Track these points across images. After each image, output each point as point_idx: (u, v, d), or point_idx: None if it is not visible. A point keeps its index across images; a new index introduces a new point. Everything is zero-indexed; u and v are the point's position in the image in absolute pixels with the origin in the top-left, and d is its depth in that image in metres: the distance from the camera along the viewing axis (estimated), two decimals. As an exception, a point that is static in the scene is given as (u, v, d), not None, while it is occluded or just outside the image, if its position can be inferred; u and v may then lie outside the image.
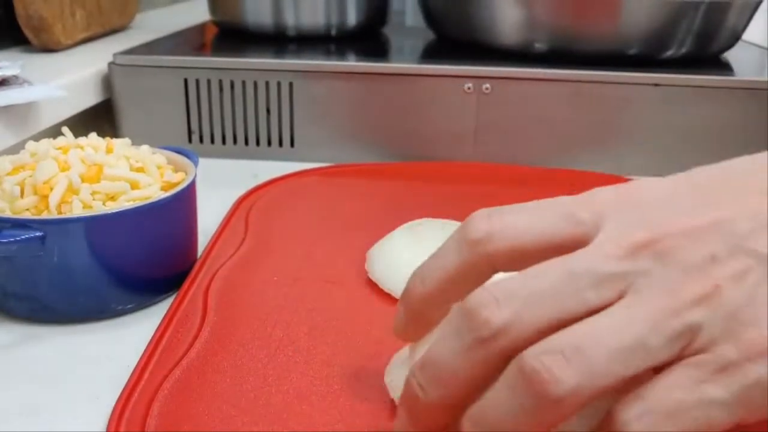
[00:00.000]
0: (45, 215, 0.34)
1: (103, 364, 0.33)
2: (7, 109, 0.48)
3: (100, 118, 0.62)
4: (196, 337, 0.33)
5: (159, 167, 0.39)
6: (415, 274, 0.26)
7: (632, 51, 0.59)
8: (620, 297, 0.22)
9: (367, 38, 0.72)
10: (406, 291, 0.26)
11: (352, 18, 0.69)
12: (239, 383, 0.30)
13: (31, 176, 0.35)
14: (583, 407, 0.21)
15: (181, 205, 0.39)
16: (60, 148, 0.37)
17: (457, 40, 0.66)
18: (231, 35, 0.72)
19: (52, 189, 0.35)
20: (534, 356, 0.21)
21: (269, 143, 0.61)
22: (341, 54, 0.64)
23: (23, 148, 0.38)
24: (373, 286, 0.39)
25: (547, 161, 0.59)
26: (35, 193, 0.35)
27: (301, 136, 0.61)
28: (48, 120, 0.53)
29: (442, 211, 0.44)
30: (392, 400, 0.29)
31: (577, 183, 0.47)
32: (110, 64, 0.60)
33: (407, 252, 0.39)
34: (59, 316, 0.36)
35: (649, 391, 0.21)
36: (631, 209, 0.23)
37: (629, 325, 0.21)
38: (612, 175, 0.56)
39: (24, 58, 0.60)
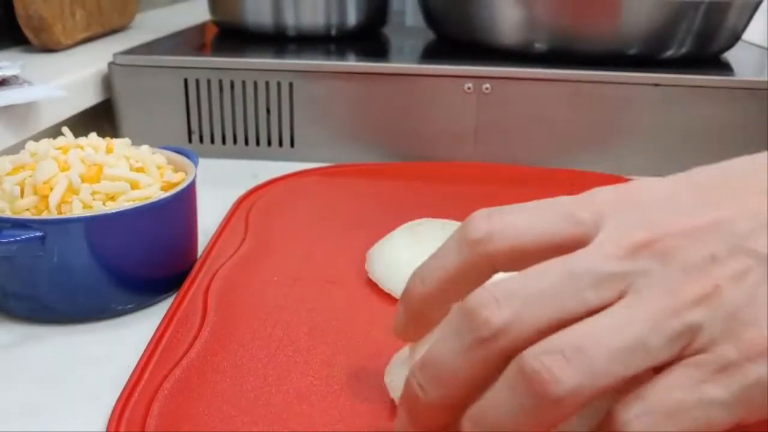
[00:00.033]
0: (45, 215, 0.34)
1: (103, 364, 0.33)
2: (7, 109, 0.48)
3: (100, 118, 0.62)
4: (196, 337, 0.33)
5: (159, 167, 0.39)
6: (415, 274, 0.26)
7: (632, 51, 0.59)
8: (620, 297, 0.22)
9: (367, 38, 0.72)
10: (406, 291, 0.26)
11: (352, 18, 0.69)
12: (239, 383, 0.30)
13: (31, 176, 0.35)
14: (583, 407, 0.21)
15: (181, 205, 0.39)
16: (60, 148, 0.37)
17: (457, 40, 0.66)
18: (231, 35, 0.72)
19: (52, 189, 0.35)
20: (534, 356, 0.21)
21: (269, 143, 0.61)
22: (341, 54, 0.64)
23: (23, 148, 0.38)
24: (373, 286, 0.39)
25: (547, 161, 0.59)
26: (35, 193, 0.35)
27: (301, 136, 0.61)
28: (48, 120, 0.53)
29: (442, 211, 0.44)
30: (392, 400, 0.29)
31: (577, 183, 0.47)
32: (110, 64, 0.60)
33: (407, 252, 0.39)
34: (59, 316, 0.36)
35: (649, 391, 0.21)
36: (631, 209, 0.23)
37: (629, 325, 0.21)
38: (612, 175, 0.56)
39: (24, 58, 0.60)
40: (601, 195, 0.24)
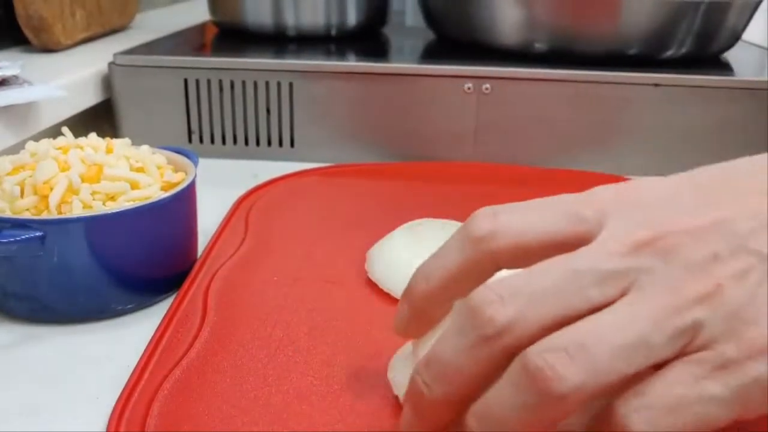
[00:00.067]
0: (45, 215, 0.34)
1: (103, 364, 0.33)
2: (7, 109, 0.48)
3: (100, 118, 0.62)
4: (196, 337, 0.33)
5: (159, 167, 0.39)
6: (418, 272, 0.26)
7: (632, 51, 0.59)
8: (623, 294, 0.22)
9: (367, 38, 0.72)
10: (409, 288, 0.26)
11: (352, 18, 0.69)
12: (239, 383, 0.30)
13: (31, 176, 0.35)
14: (586, 404, 0.21)
15: (181, 205, 0.39)
16: (60, 148, 0.37)
17: (457, 40, 0.66)
18: (231, 35, 0.72)
19: (52, 189, 0.35)
20: (537, 353, 0.21)
21: (269, 143, 0.61)
22: (341, 54, 0.64)
23: (23, 148, 0.38)
24: (373, 286, 0.39)
25: (547, 161, 0.59)
26: (35, 193, 0.35)
27: (301, 136, 0.61)
28: (48, 120, 0.53)
29: (442, 211, 0.44)
30: (394, 398, 0.29)
31: (577, 183, 0.46)
32: (110, 64, 0.60)
33: (407, 252, 0.39)
34: (59, 316, 0.36)
35: (649, 387, 0.21)
36: (634, 208, 0.23)
37: (632, 323, 0.21)
38: (612, 175, 0.56)
39: (24, 58, 0.60)
40: (604, 193, 0.24)
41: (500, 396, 0.22)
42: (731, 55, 0.67)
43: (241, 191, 0.51)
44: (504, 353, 0.22)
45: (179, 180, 0.39)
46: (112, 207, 0.35)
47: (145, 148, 0.41)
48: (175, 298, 0.36)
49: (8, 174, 0.36)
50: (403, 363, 0.29)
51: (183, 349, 0.32)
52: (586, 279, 0.22)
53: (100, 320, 0.37)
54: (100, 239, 0.35)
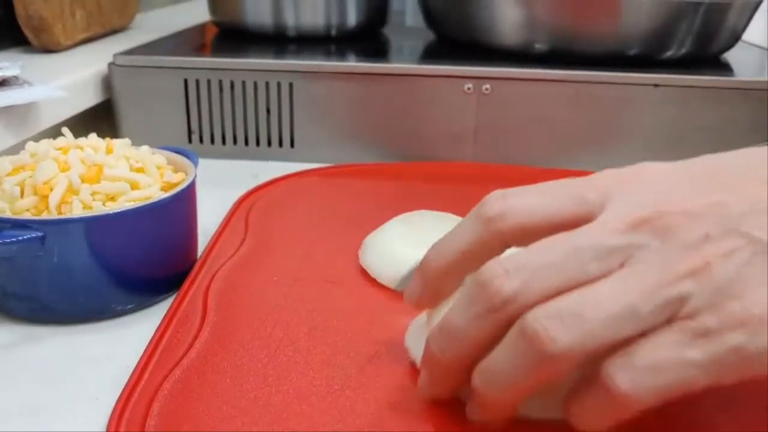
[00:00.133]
0: (45, 215, 0.34)
1: (103, 364, 0.33)
2: (7, 109, 0.48)
3: (100, 119, 0.62)
4: (196, 337, 0.33)
5: (159, 167, 0.39)
6: (433, 248, 0.28)
7: (632, 51, 0.59)
8: (620, 268, 0.23)
9: (367, 38, 0.72)
10: (424, 263, 0.28)
11: (352, 18, 0.69)
12: (239, 383, 0.30)
13: (31, 177, 0.35)
14: (578, 365, 0.23)
15: (181, 206, 0.39)
16: (60, 149, 0.37)
17: (457, 41, 0.66)
18: (231, 35, 0.72)
19: (52, 189, 0.35)
20: (535, 319, 0.23)
21: (269, 143, 0.61)
22: (341, 54, 0.64)
23: (23, 148, 0.38)
24: (373, 286, 0.39)
25: (547, 161, 0.59)
26: (35, 193, 0.35)
27: (301, 136, 0.61)
28: (48, 120, 0.53)
29: (442, 211, 0.44)
30: (395, 396, 0.29)
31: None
32: (110, 64, 0.60)
33: (400, 241, 0.40)
34: (59, 316, 0.36)
35: (635, 350, 0.23)
36: (635, 190, 0.25)
37: (623, 294, 0.23)
38: (612, 175, 0.56)
39: (24, 59, 0.60)
40: (608, 177, 0.26)
41: (501, 356, 0.24)
42: (731, 56, 0.67)
43: (241, 191, 0.51)
44: (508, 321, 0.24)
45: (179, 180, 0.39)
46: (112, 207, 0.35)
47: (145, 148, 0.41)
48: (175, 299, 0.36)
49: (8, 174, 0.36)
50: (418, 331, 0.31)
51: (183, 349, 0.32)
52: (586, 254, 0.24)
53: (100, 320, 0.37)
54: (100, 239, 0.35)
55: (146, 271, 0.38)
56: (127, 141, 0.41)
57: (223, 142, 0.61)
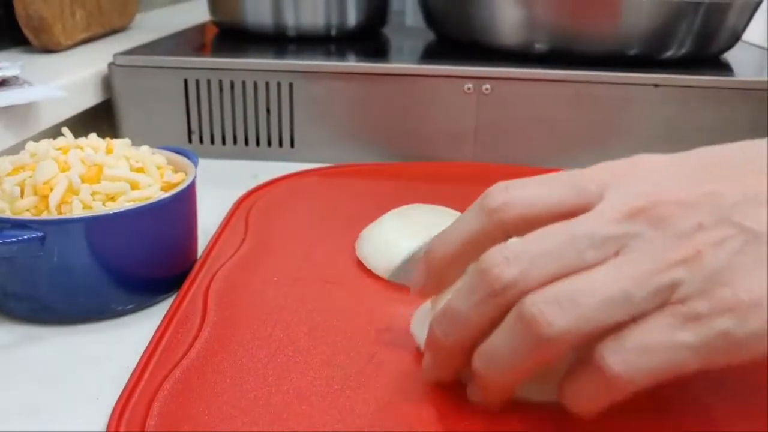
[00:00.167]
0: (45, 216, 0.34)
1: (103, 364, 0.33)
2: (7, 109, 0.48)
3: (100, 119, 0.62)
4: (196, 337, 0.33)
5: (159, 167, 0.39)
6: (437, 238, 0.29)
7: (632, 51, 0.59)
8: (616, 256, 0.24)
9: (367, 38, 0.72)
10: (428, 252, 0.29)
11: (352, 18, 0.69)
12: (239, 383, 0.30)
13: (31, 177, 0.35)
14: (573, 348, 0.24)
15: (181, 206, 0.39)
16: (60, 149, 0.37)
17: (457, 41, 0.66)
18: (231, 35, 0.72)
19: (52, 189, 0.35)
20: (532, 303, 0.24)
21: (269, 143, 0.61)
22: (341, 54, 0.64)
23: (23, 148, 0.38)
24: (373, 286, 0.39)
25: (547, 161, 0.59)
26: (35, 193, 0.35)
27: (301, 136, 0.61)
28: (48, 120, 0.53)
29: (442, 211, 0.44)
30: (393, 394, 0.29)
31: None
32: (110, 64, 0.60)
33: (396, 233, 0.41)
34: (59, 316, 0.36)
35: (627, 333, 0.23)
36: (632, 181, 0.26)
37: (617, 280, 0.23)
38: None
39: (24, 59, 0.60)
40: (607, 168, 0.27)
41: (500, 340, 0.25)
42: (731, 56, 0.67)
43: (241, 191, 0.51)
44: (508, 306, 0.25)
45: (179, 180, 0.39)
46: (112, 207, 0.35)
47: (145, 148, 0.41)
48: (175, 299, 0.36)
49: (8, 174, 0.36)
50: (423, 319, 0.32)
51: (183, 349, 0.32)
52: (582, 243, 0.24)
53: (100, 320, 0.37)
54: (100, 239, 0.35)
55: (146, 271, 0.38)
56: (127, 141, 0.41)
57: (223, 142, 0.61)
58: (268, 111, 0.60)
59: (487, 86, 0.58)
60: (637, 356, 0.23)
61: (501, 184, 0.27)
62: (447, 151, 0.60)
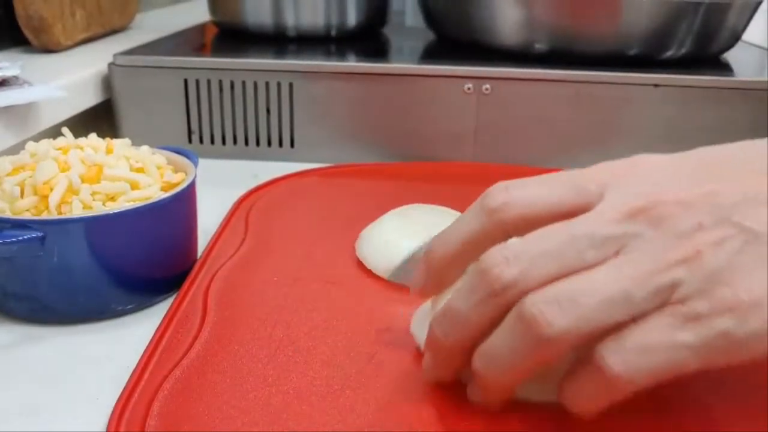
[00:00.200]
0: (45, 216, 0.34)
1: (103, 364, 0.33)
2: (7, 109, 0.48)
3: (100, 119, 0.62)
4: (196, 337, 0.33)
5: (159, 167, 0.39)
6: (437, 238, 0.29)
7: (632, 51, 0.59)
8: (616, 256, 0.24)
9: (367, 38, 0.72)
10: (429, 252, 0.29)
11: (352, 18, 0.69)
12: (239, 383, 0.30)
13: (31, 177, 0.35)
14: (573, 348, 0.24)
15: (181, 206, 0.39)
16: (60, 149, 0.37)
17: (457, 41, 0.66)
18: (231, 35, 0.72)
19: (52, 189, 0.35)
20: (532, 303, 0.24)
21: (269, 143, 0.61)
22: (341, 54, 0.64)
23: (23, 148, 0.38)
24: (373, 286, 0.39)
25: (547, 161, 0.59)
26: (35, 193, 0.35)
27: (301, 136, 0.61)
28: (48, 120, 0.53)
29: (442, 211, 0.44)
30: (394, 393, 0.30)
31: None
32: (110, 64, 0.60)
33: (395, 233, 0.41)
34: (59, 316, 0.36)
35: (627, 333, 0.23)
36: (632, 181, 0.26)
37: (617, 280, 0.23)
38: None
39: (24, 59, 0.60)
40: (606, 168, 0.27)
41: (500, 339, 0.25)
42: (731, 56, 0.67)
43: (241, 191, 0.51)
44: (508, 306, 0.25)
45: (179, 180, 0.39)
46: (112, 207, 0.35)
47: (145, 148, 0.41)
48: (175, 299, 0.36)
49: (8, 174, 0.36)
50: (423, 319, 0.32)
51: (183, 349, 0.32)
52: (582, 243, 0.24)
53: (100, 320, 0.37)
54: (100, 239, 0.35)
55: (146, 271, 0.38)
56: (127, 141, 0.41)
57: (223, 142, 0.61)
58: (268, 111, 0.60)
59: (487, 86, 0.58)
60: (637, 356, 0.23)
61: (501, 184, 0.27)
62: (447, 151, 0.60)
